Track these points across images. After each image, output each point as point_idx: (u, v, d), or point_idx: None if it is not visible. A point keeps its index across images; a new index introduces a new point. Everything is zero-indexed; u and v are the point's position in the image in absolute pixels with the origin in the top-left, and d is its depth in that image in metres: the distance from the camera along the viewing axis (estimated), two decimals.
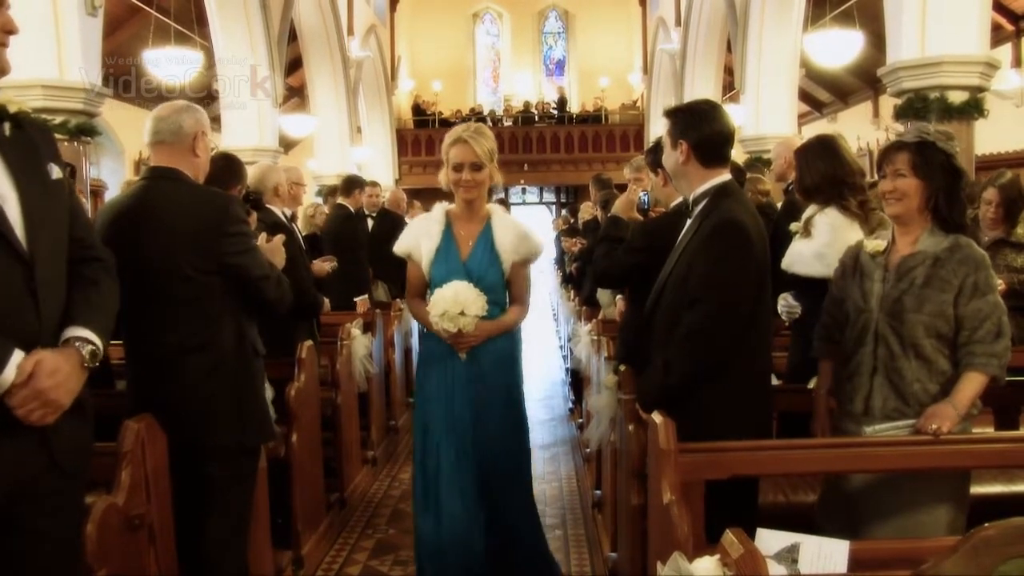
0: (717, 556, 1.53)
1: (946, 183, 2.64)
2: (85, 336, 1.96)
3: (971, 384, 2.58)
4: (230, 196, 3.02)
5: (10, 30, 1.94)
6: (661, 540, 2.47)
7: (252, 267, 2.81)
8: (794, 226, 3.66)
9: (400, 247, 3.41)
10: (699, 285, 2.71)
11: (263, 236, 3.29)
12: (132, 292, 2.43)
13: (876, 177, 3.87)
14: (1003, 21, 11.96)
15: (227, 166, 3.68)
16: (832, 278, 3.09)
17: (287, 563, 3.77)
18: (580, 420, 6.47)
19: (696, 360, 2.70)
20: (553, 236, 17.54)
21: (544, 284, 15.14)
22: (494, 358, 3.32)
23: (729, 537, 1.55)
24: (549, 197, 25.19)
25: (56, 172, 2.00)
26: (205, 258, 2.71)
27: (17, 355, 1.79)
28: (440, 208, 3.39)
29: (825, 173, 3.54)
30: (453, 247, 3.30)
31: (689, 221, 2.90)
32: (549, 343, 11.83)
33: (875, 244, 2.81)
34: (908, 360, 2.61)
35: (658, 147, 3.18)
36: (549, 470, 5.76)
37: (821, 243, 3.45)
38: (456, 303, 3.14)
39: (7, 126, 1.93)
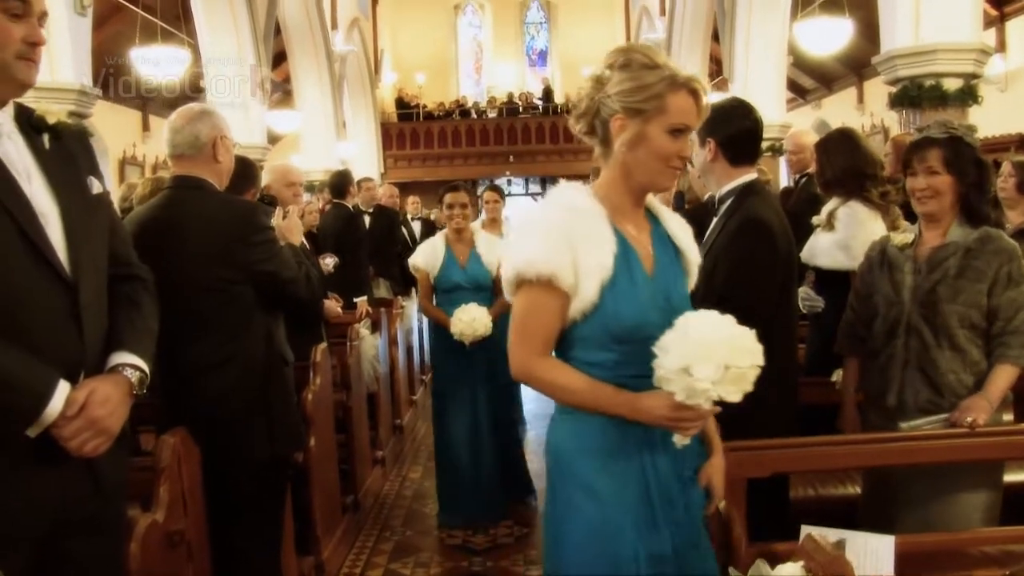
0: (801, 562, 1.52)
1: (976, 177, 2.65)
2: (133, 363, 1.90)
3: (1004, 376, 2.61)
4: (254, 204, 3.00)
5: (35, 42, 1.80)
6: None
7: (281, 271, 2.80)
8: (816, 219, 3.66)
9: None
10: (725, 283, 2.70)
11: (278, 212, 3.32)
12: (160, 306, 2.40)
13: (898, 173, 3.86)
14: (987, 6, 12.02)
15: (241, 171, 3.62)
16: (856, 272, 3.10)
17: (309, 569, 3.74)
18: None
19: None
20: None
21: None
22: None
23: (812, 541, 1.53)
24: (535, 188, 25.14)
25: (97, 186, 1.94)
26: (233, 269, 2.68)
27: (64, 386, 1.73)
28: None
29: (846, 166, 3.55)
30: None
31: (715, 219, 2.89)
32: None
33: (903, 237, 2.82)
34: (942, 351, 2.62)
35: None
36: None
37: (846, 235, 3.46)
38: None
39: (46, 138, 1.86)
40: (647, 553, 1.79)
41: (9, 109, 1.82)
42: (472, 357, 4.57)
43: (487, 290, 4.71)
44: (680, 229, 2.04)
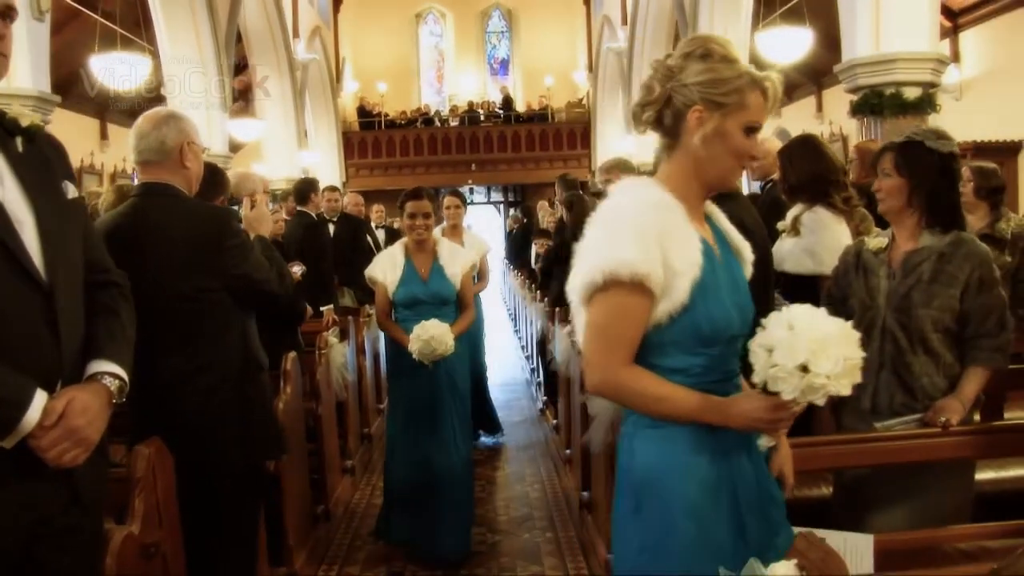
0: (794, 560, 1.52)
1: (935, 180, 2.70)
2: (112, 371, 1.85)
3: (976, 379, 2.67)
4: (226, 210, 2.96)
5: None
6: None
7: (254, 272, 2.76)
8: (781, 225, 3.70)
9: None
10: None
11: (246, 202, 3.27)
12: None
13: (862, 179, 3.91)
14: (941, 18, 12.30)
15: (210, 178, 3.57)
16: (828, 276, 3.14)
17: None
18: (555, 421, 6.46)
19: None
20: (504, 235, 17.56)
21: (495, 283, 15.00)
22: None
23: (803, 541, 1.54)
24: (497, 196, 25.18)
25: (72, 191, 1.89)
26: (208, 276, 2.64)
27: (41, 395, 1.68)
28: None
29: (810, 172, 3.60)
30: None
31: None
32: (508, 344, 11.78)
33: (877, 241, 2.86)
34: (916, 355, 2.66)
35: None
36: (530, 472, 5.74)
37: (812, 240, 3.50)
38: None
39: (19, 141, 1.81)
40: (740, 560, 1.68)
41: None
42: (433, 376, 4.18)
43: (451, 304, 4.33)
44: (730, 226, 1.96)
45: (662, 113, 1.82)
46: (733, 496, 1.75)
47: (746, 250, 1.94)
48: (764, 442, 1.78)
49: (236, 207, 3.85)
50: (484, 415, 6.70)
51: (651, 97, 1.82)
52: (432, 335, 4.02)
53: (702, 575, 1.67)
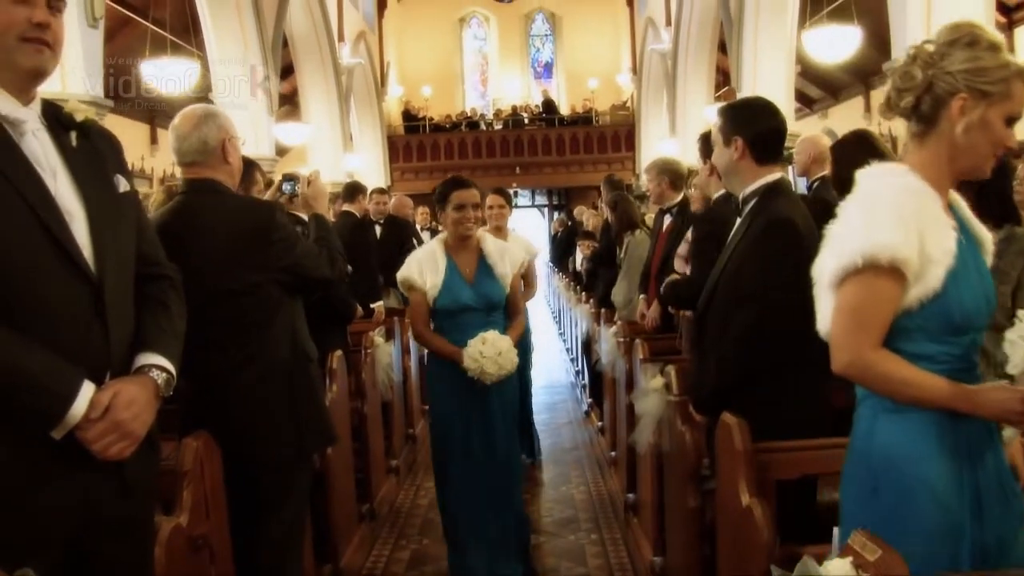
0: (849, 559, 1.48)
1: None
2: (159, 364, 1.87)
3: None
4: (271, 204, 2.98)
5: (40, 22, 1.70)
6: (734, 543, 2.43)
7: (302, 259, 2.79)
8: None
9: None
10: (751, 284, 2.67)
11: (303, 179, 3.28)
12: None
13: None
14: (996, 13, 12.03)
15: (244, 169, 3.61)
16: None
17: None
18: (600, 423, 6.41)
19: (749, 359, 2.66)
20: (548, 238, 17.56)
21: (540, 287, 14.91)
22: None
23: (859, 539, 1.50)
24: (541, 200, 25.19)
25: (124, 184, 1.91)
26: (256, 271, 2.67)
27: (88, 387, 1.70)
28: None
29: (863, 166, 3.53)
30: None
31: (739, 220, 2.87)
32: (553, 346, 11.75)
33: None
34: None
35: (708, 136, 3.16)
36: (575, 474, 5.70)
37: None
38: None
39: (73, 135, 1.84)
40: (979, 548, 1.72)
41: (36, 106, 1.80)
42: (484, 397, 3.58)
43: (500, 310, 3.68)
44: (972, 215, 1.92)
45: (921, 99, 1.80)
46: (974, 486, 1.74)
47: (988, 241, 1.93)
48: (1009, 433, 1.78)
49: (292, 183, 3.77)
50: (525, 436, 5.79)
51: (912, 83, 1.80)
52: (499, 349, 3.43)
53: (940, 555, 1.68)
